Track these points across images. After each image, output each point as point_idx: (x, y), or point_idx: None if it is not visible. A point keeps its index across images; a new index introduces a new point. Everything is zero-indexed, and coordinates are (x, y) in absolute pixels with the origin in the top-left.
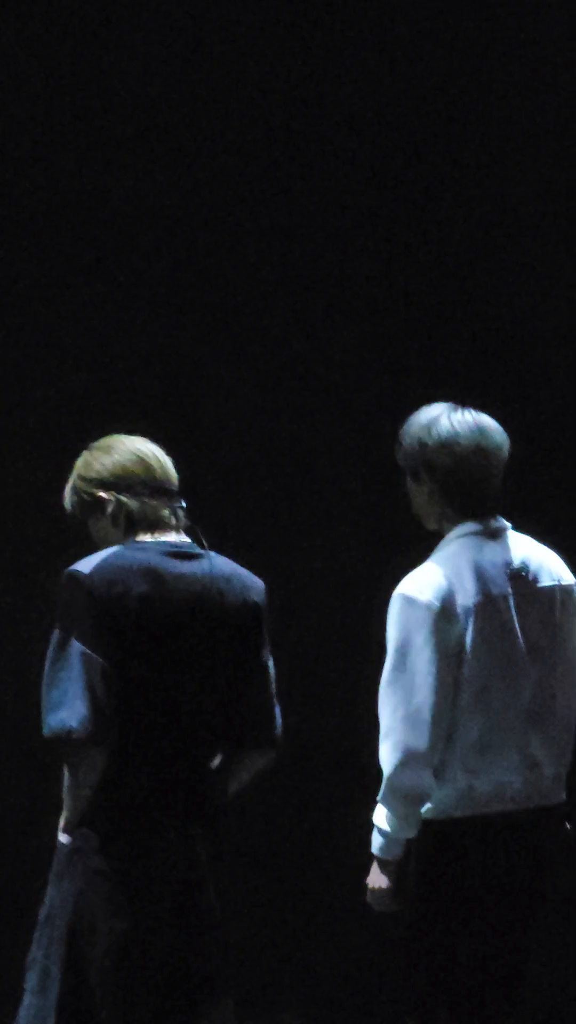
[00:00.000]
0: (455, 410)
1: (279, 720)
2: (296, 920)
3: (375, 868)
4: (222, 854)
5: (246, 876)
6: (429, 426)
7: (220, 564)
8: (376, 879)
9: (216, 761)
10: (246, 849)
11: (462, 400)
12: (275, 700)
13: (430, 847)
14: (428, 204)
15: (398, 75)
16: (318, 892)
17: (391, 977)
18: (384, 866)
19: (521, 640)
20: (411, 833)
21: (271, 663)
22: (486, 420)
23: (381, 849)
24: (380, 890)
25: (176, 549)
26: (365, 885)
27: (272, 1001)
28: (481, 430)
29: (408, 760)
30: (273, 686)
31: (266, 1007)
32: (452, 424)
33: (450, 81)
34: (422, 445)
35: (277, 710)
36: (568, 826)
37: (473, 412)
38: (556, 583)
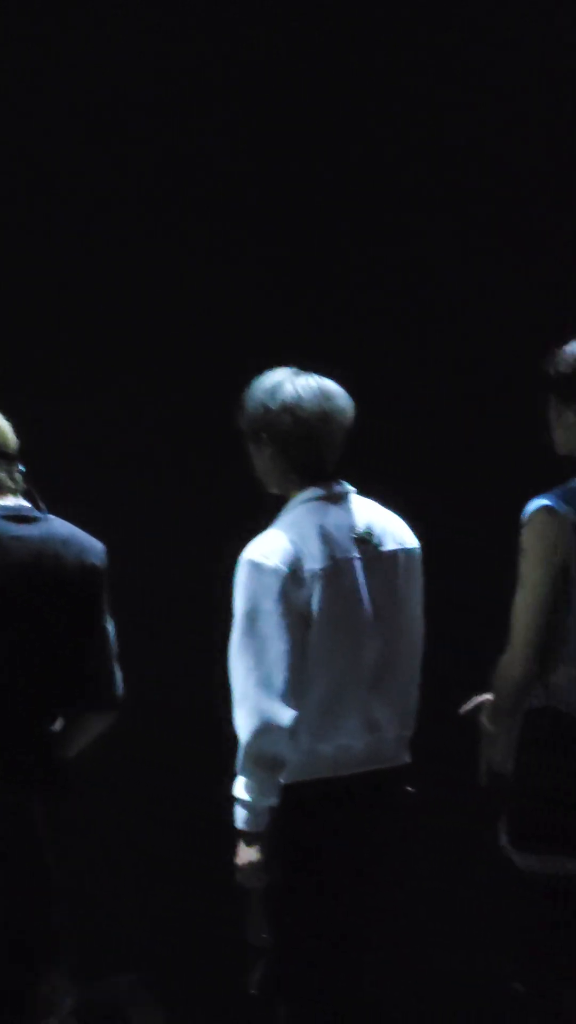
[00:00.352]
0: (298, 375)
1: (119, 683)
2: (144, 884)
3: (242, 844)
4: (62, 818)
5: (92, 840)
6: (273, 390)
7: (57, 527)
8: (245, 855)
9: (56, 724)
10: (94, 813)
11: (304, 366)
12: (115, 663)
13: (278, 812)
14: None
15: None
16: (165, 856)
17: (241, 942)
18: (252, 840)
19: (366, 604)
20: (273, 801)
21: (111, 626)
22: (330, 385)
23: (246, 822)
24: (250, 865)
25: (13, 512)
26: (233, 862)
27: (113, 965)
28: (325, 394)
29: (264, 726)
30: (113, 649)
31: (107, 970)
32: (296, 388)
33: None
34: (265, 409)
35: (117, 673)
36: (410, 789)
37: (317, 377)
38: (400, 547)
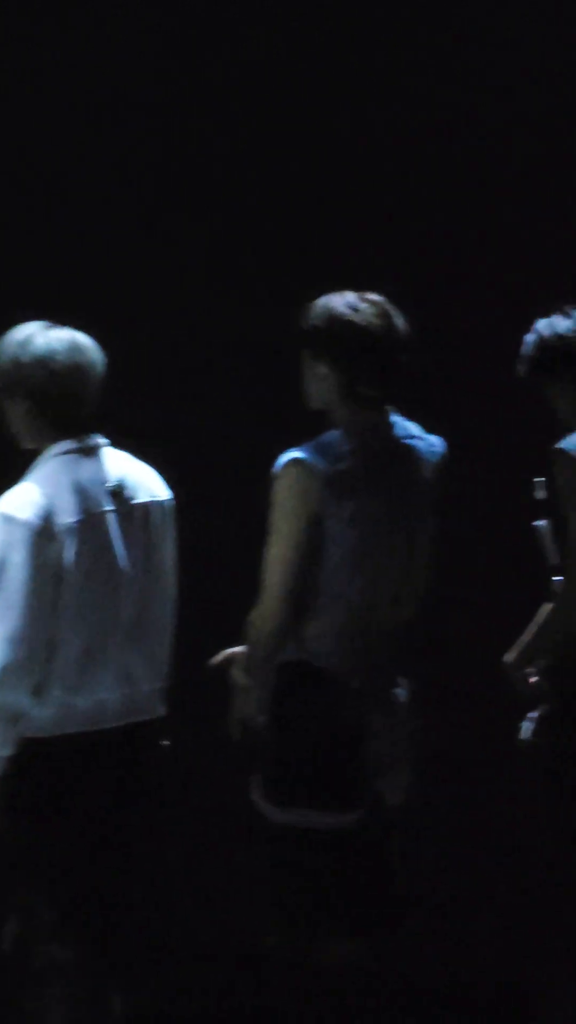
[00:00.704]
0: (50, 328)
1: None
2: None
3: None
4: None
5: None
6: (24, 343)
7: None
8: None
9: None
10: None
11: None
12: None
13: (31, 766)
14: None
15: None
16: None
17: None
18: None
19: (120, 557)
20: (7, 751)
21: None
22: (81, 338)
23: None
24: None
25: None
26: None
27: None
28: (77, 347)
29: (4, 677)
30: None
31: None
32: (48, 341)
33: None
34: (16, 363)
35: None
36: (165, 742)
37: (68, 330)
38: (153, 499)
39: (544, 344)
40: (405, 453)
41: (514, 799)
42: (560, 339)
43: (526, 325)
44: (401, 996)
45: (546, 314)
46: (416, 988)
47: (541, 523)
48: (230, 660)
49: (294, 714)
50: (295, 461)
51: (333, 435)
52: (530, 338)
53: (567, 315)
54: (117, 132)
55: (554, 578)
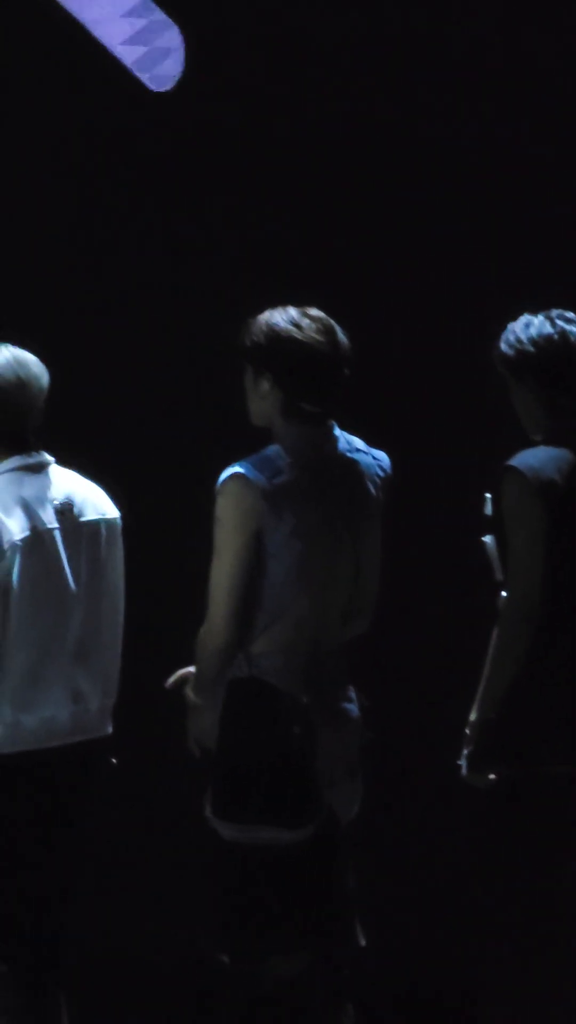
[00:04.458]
0: None
1: None
2: None
3: None
4: None
5: None
6: None
7: None
8: None
9: None
10: None
11: None
12: None
13: None
14: None
15: None
16: None
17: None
18: None
19: (68, 574)
20: None
21: None
22: (23, 353)
23: None
24: None
25: None
26: None
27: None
28: (19, 362)
29: None
30: None
31: None
32: None
33: None
34: None
35: None
36: (113, 760)
37: (11, 347)
38: (101, 517)
39: (516, 347)
40: (348, 467)
41: (464, 814)
42: (534, 344)
43: (473, 334)
44: (350, 1010)
45: (508, 316)
46: (366, 1002)
47: (487, 539)
48: (183, 679)
49: (244, 731)
50: (235, 476)
51: (274, 449)
52: (506, 336)
53: (551, 322)
54: (64, 142)
55: (500, 594)
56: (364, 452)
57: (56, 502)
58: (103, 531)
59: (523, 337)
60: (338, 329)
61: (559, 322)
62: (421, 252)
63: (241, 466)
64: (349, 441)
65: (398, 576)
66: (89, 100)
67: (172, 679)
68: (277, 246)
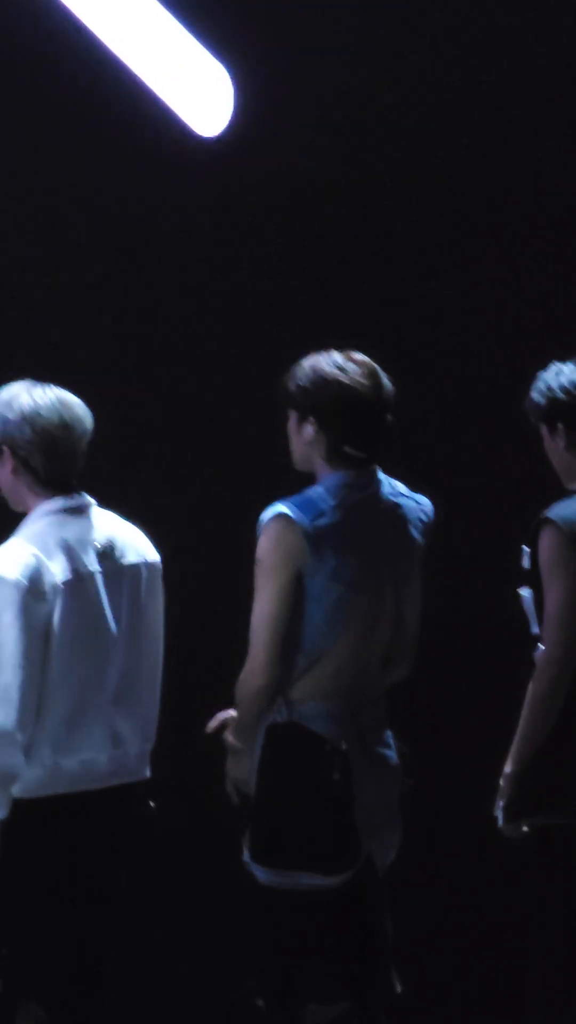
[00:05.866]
0: (35, 386)
1: None
2: None
3: None
4: None
5: None
6: (10, 402)
7: None
8: None
9: None
10: None
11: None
12: None
13: (17, 827)
14: None
15: None
16: None
17: None
18: None
19: (109, 618)
20: (3, 814)
21: None
22: (66, 395)
23: None
24: None
25: None
26: None
27: None
28: (63, 403)
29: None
30: None
31: None
32: (33, 399)
33: None
34: (3, 421)
35: None
36: (151, 804)
37: (54, 388)
38: (142, 560)
39: (547, 395)
40: (391, 511)
41: (504, 861)
42: (565, 392)
43: (516, 382)
44: None
45: (543, 366)
46: None
47: (525, 591)
48: (224, 724)
49: (283, 776)
50: (278, 516)
51: (317, 491)
52: (537, 385)
53: None
54: (109, 183)
55: (536, 647)
56: (407, 496)
57: (98, 545)
58: (144, 574)
59: (554, 385)
60: (382, 373)
61: None
62: (464, 299)
63: (284, 505)
64: (392, 485)
65: (439, 622)
66: (135, 144)
67: (213, 723)
68: (321, 291)
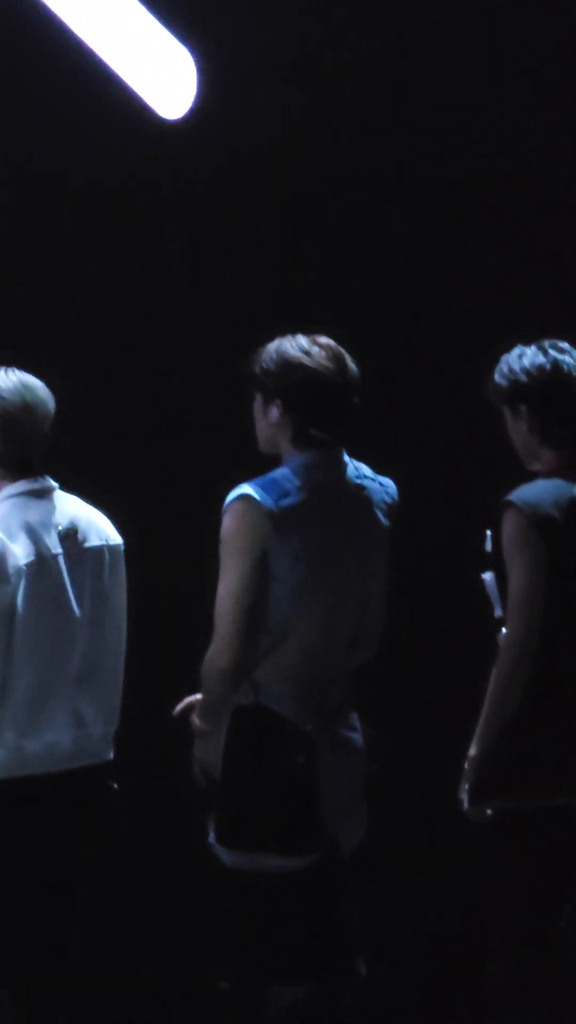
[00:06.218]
0: None
1: None
2: None
3: None
4: None
5: None
6: None
7: None
8: None
9: None
10: None
11: None
12: None
13: None
14: None
15: None
16: None
17: None
18: None
19: (72, 600)
20: None
21: None
22: (29, 378)
23: None
24: None
25: None
26: None
27: None
28: (25, 386)
29: None
30: None
31: None
32: None
33: None
34: None
35: None
36: (115, 785)
37: (16, 371)
38: (105, 543)
39: (509, 378)
40: (356, 493)
41: (470, 844)
42: (527, 375)
43: (480, 366)
44: None
45: (507, 349)
46: None
47: (487, 575)
48: (190, 707)
49: (248, 758)
50: (242, 497)
51: (282, 472)
52: (500, 368)
53: (543, 352)
54: (73, 167)
55: (500, 630)
56: (372, 479)
57: (60, 527)
58: (107, 557)
59: (516, 368)
60: (347, 357)
61: (551, 352)
62: (429, 281)
63: (248, 487)
64: (357, 467)
65: (402, 605)
66: (99, 126)
67: (179, 707)
68: (285, 272)
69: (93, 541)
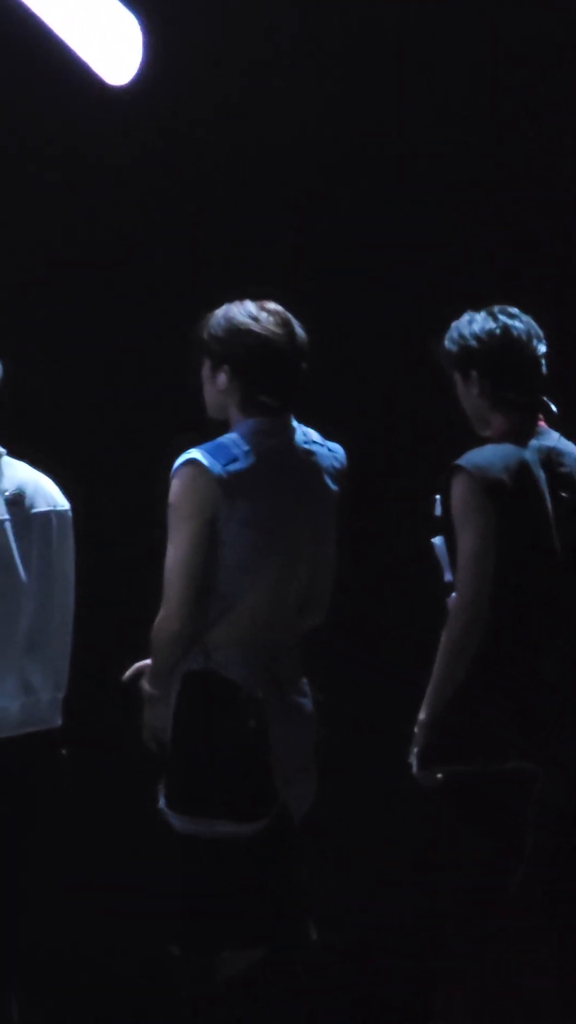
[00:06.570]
0: None
1: None
2: None
3: None
4: None
5: None
6: None
7: None
8: None
9: None
10: None
11: None
12: None
13: None
14: None
15: None
16: None
17: None
18: None
19: (18, 566)
20: None
21: None
22: None
23: None
24: None
25: None
26: None
27: None
28: None
29: None
30: None
31: None
32: None
33: None
34: None
35: None
36: (64, 751)
37: None
38: (52, 508)
39: (459, 343)
40: (305, 459)
41: (419, 809)
42: (477, 340)
43: (429, 331)
44: (302, 1005)
45: (456, 315)
46: (317, 999)
47: (436, 540)
48: (140, 672)
49: (198, 724)
50: (190, 462)
51: (231, 436)
52: (450, 333)
53: (493, 317)
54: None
55: (449, 595)
56: (320, 444)
57: (7, 493)
58: (54, 522)
59: (466, 333)
60: (295, 322)
61: (501, 317)
62: (378, 247)
63: (196, 451)
64: (306, 433)
65: (351, 570)
66: (42, 91)
67: (129, 672)
68: (232, 239)
69: (40, 507)
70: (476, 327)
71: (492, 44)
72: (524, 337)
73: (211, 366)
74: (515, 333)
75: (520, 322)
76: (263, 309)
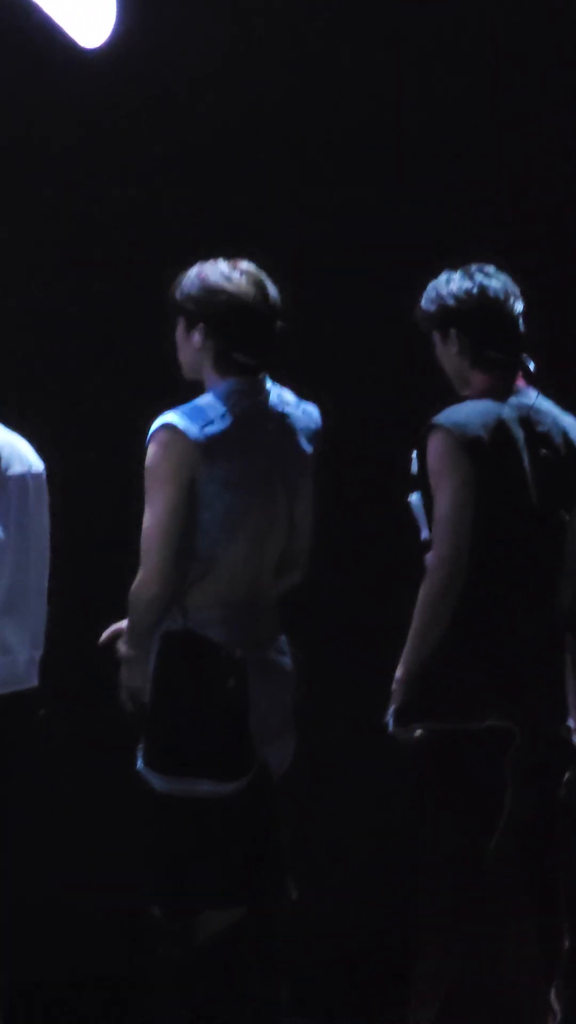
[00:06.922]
0: None
1: None
2: None
3: None
4: None
5: None
6: None
7: None
8: None
9: None
10: None
11: None
12: None
13: None
14: None
15: None
16: None
17: None
18: None
19: None
20: None
21: None
22: None
23: None
24: None
25: None
26: None
27: None
28: None
29: None
30: None
31: None
32: None
33: None
34: None
35: None
36: (42, 711)
37: None
38: (27, 470)
39: (437, 302)
40: (280, 420)
41: (400, 769)
42: (455, 299)
43: (406, 290)
44: (282, 963)
45: (434, 275)
46: (298, 956)
47: (413, 497)
48: (116, 634)
49: (178, 684)
50: (166, 426)
51: (207, 399)
52: (428, 293)
53: (470, 276)
54: None
55: (427, 552)
56: (295, 405)
57: None
58: (30, 483)
59: (443, 292)
60: (268, 281)
61: (478, 276)
62: (355, 204)
63: (173, 414)
64: (280, 394)
65: (329, 529)
66: (16, 56)
67: (105, 635)
68: (206, 200)
69: (16, 468)
70: (454, 286)
71: (491, 41)
72: (502, 295)
73: (185, 325)
74: (491, 291)
75: (496, 280)
76: (236, 268)
